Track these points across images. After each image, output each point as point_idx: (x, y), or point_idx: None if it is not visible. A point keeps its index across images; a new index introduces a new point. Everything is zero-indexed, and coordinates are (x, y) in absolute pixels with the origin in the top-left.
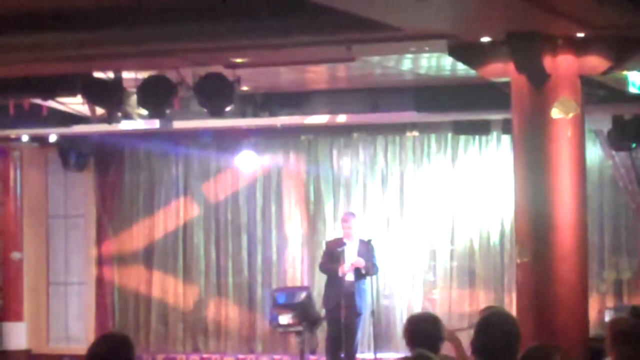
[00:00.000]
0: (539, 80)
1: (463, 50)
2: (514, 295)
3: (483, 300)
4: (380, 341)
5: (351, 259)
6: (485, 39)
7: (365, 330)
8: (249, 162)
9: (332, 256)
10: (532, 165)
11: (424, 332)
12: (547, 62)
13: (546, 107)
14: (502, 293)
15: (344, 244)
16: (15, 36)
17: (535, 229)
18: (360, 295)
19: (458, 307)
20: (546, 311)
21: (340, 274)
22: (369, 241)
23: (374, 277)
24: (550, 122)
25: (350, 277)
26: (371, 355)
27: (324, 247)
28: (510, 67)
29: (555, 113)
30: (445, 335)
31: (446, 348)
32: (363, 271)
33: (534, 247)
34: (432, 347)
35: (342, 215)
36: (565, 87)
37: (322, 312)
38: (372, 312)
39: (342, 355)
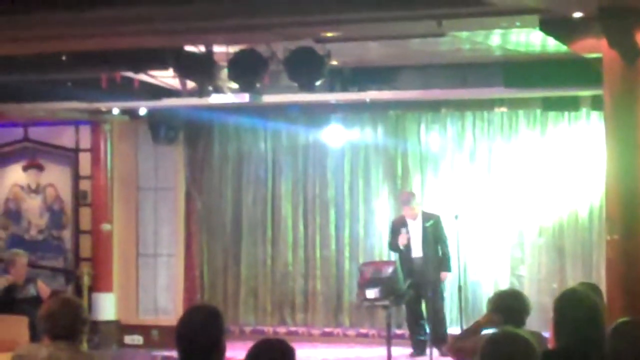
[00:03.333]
0: (631, 56)
1: (554, 26)
2: (602, 272)
3: (571, 277)
4: (467, 316)
5: (418, 235)
6: (577, 14)
7: (451, 305)
8: (336, 136)
9: (398, 234)
10: (623, 141)
11: (509, 307)
12: None
13: (638, 84)
14: (590, 270)
15: (407, 223)
16: (107, 10)
17: (626, 206)
18: (431, 270)
19: (546, 284)
20: (636, 288)
21: (401, 246)
22: (438, 217)
23: (458, 251)
24: None
25: (417, 253)
26: (458, 329)
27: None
28: (603, 42)
29: None
30: None
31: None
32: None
33: (625, 224)
34: (518, 322)
35: (401, 196)
36: None
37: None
38: (459, 287)
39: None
